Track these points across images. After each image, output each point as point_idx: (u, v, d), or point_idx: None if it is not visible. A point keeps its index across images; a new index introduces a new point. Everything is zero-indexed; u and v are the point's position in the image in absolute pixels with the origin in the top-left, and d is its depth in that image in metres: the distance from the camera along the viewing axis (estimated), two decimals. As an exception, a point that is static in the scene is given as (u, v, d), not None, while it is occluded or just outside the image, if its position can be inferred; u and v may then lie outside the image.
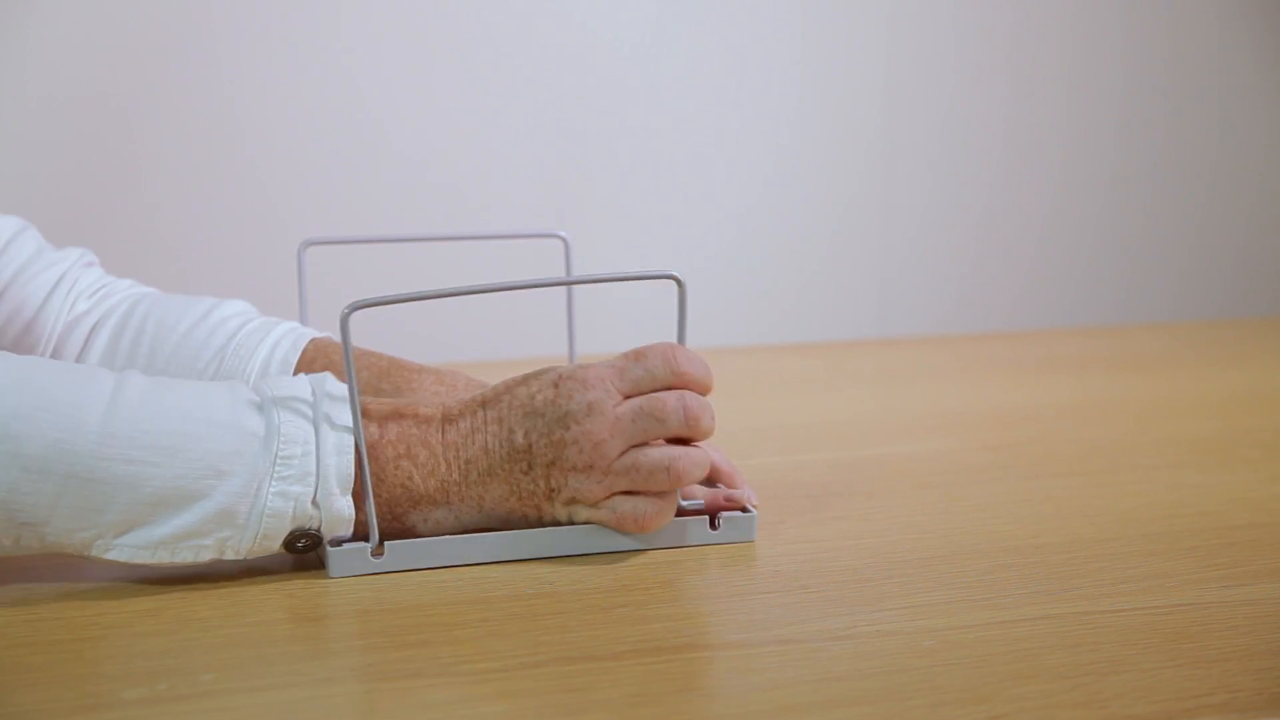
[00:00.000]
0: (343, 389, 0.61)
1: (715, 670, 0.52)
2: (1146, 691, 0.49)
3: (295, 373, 0.74)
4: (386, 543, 0.61)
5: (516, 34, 1.34)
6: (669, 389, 0.63)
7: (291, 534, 0.59)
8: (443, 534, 0.63)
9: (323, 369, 0.73)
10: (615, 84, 1.39)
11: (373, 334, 0.86)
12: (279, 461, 0.58)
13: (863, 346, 1.44)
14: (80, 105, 1.23)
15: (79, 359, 0.76)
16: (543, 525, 0.64)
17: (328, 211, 1.31)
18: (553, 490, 0.62)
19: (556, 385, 0.62)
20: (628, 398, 0.62)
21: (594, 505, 0.63)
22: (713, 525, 0.67)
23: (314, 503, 0.58)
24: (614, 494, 0.63)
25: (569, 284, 0.65)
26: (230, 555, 0.58)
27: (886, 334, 1.53)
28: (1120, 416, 1.01)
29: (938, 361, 1.29)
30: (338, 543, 0.61)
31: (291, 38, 1.28)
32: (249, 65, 1.27)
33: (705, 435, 0.63)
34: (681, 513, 0.66)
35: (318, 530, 0.59)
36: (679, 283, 0.63)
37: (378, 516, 0.61)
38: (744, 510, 0.67)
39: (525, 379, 0.63)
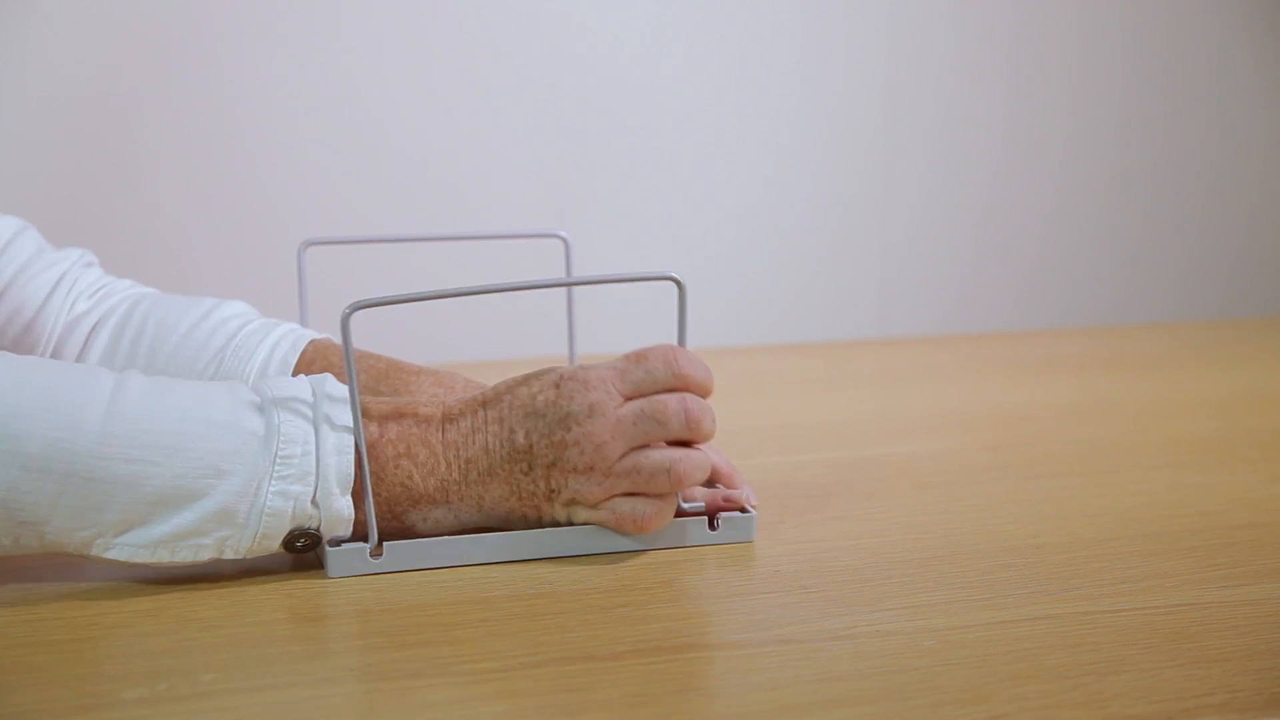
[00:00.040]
0: (342, 389, 0.61)
1: (715, 670, 0.52)
2: (1146, 691, 0.49)
3: (294, 374, 0.74)
4: (385, 543, 0.62)
5: (516, 34, 1.34)
6: (670, 391, 0.63)
7: (291, 533, 0.59)
8: (442, 533, 0.63)
9: (322, 370, 0.73)
10: (615, 84, 1.39)
11: (373, 334, 0.87)
12: (279, 461, 0.58)
13: (863, 346, 1.44)
14: (80, 105, 1.23)
15: (79, 359, 0.76)
16: (542, 525, 0.64)
17: (328, 211, 1.31)
18: (553, 491, 0.62)
19: (558, 386, 0.62)
20: (629, 400, 0.62)
21: (594, 506, 0.63)
22: (712, 526, 0.67)
23: (313, 502, 0.58)
24: (614, 495, 0.63)
25: (570, 285, 0.65)
26: (230, 554, 0.58)
27: (886, 334, 1.53)
28: (1120, 416, 1.01)
29: (938, 361, 1.29)
30: (337, 543, 0.61)
31: (291, 38, 1.28)
32: (249, 65, 1.27)
33: (706, 438, 0.63)
34: (682, 514, 0.66)
35: (317, 530, 0.59)
36: (679, 284, 0.63)
37: (377, 515, 0.61)
38: (743, 510, 0.67)
39: (526, 379, 0.63)
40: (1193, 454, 0.87)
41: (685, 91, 1.41)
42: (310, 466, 0.58)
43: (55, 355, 0.76)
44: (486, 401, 0.63)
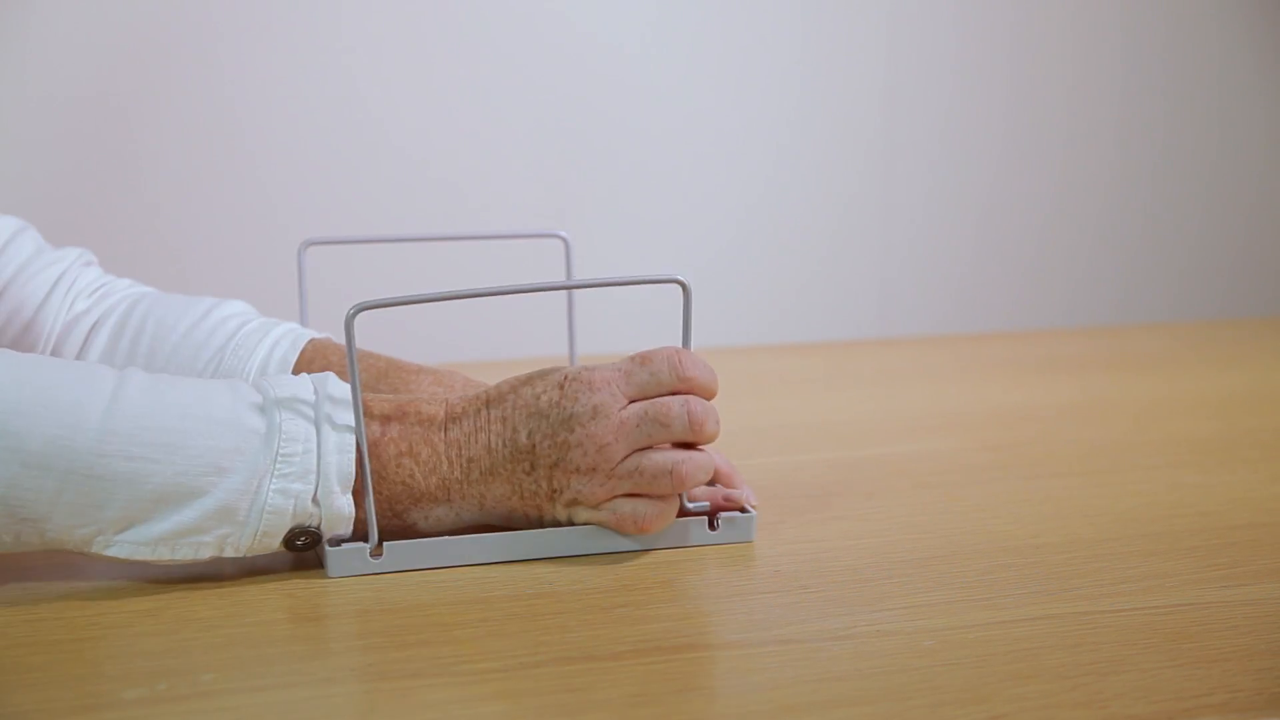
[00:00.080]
0: (344, 388, 0.61)
1: (715, 670, 0.52)
2: (1146, 691, 0.49)
3: (294, 373, 0.74)
4: (385, 543, 0.61)
5: (517, 34, 1.34)
6: (674, 393, 0.63)
7: (291, 531, 0.59)
8: (443, 532, 0.63)
9: (321, 369, 0.73)
10: (615, 84, 1.39)
11: (373, 335, 0.86)
12: (280, 459, 0.58)
13: (863, 346, 1.44)
14: (80, 105, 1.23)
15: (78, 358, 0.76)
16: (543, 525, 0.64)
17: (328, 211, 1.31)
18: (555, 491, 0.62)
19: (562, 386, 0.62)
20: (633, 401, 0.62)
21: (595, 507, 0.63)
22: (711, 526, 0.67)
23: (314, 500, 0.58)
24: (615, 496, 0.63)
25: (574, 287, 0.65)
26: (230, 552, 0.58)
27: (886, 334, 1.53)
28: (1120, 416, 1.01)
29: (938, 361, 1.29)
30: (337, 542, 0.61)
31: (291, 38, 1.28)
32: (249, 65, 1.27)
33: (709, 440, 0.63)
34: (687, 514, 0.66)
35: (317, 528, 0.59)
36: (684, 287, 0.63)
37: (378, 513, 0.61)
38: (743, 510, 0.67)
39: (530, 379, 0.63)
40: (1193, 454, 0.87)
41: (685, 92, 1.41)
42: (311, 465, 0.58)
43: (55, 354, 0.76)
44: (490, 400, 0.63)
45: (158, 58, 1.24)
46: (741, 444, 0.85)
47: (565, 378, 0.62)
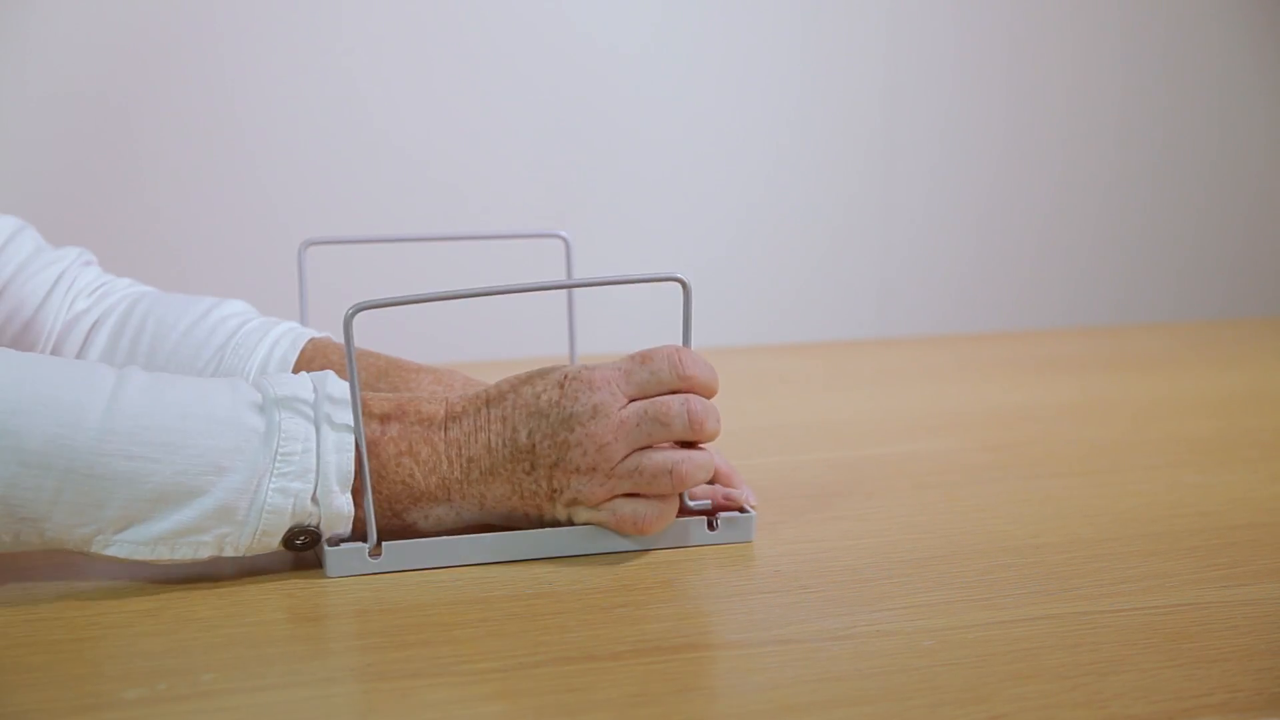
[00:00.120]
0: (343, 387, 0.61)
1: (715, 670, 0.52)
2: (1146, 691, 0.49)
3: (294, 372, 0.73)
4: (384, 543, 0.61)
5: (517, 34, 1.34)
6: (674, 392, 0.63)
7: (290, 531, 0.59)
8: (443, 531, 0.63)
9: (321, 368, 0.73)
10: (615, 85, 1.39)
11: (373, 335, 0.86)
12: (279, 458, 0.58)
13: (863, 346, 1.44)
14: (80, 104, 1.23)
15: (78, 357, 0.76)
16: (543, 524, 0.64)
17: (328, 211, 1.31)
18: (555, 491, 0.62)
19: (562, 386, 0.62)
20: (633, 400, 0.62)
21: (595, 507, 0.63)
22: (711, 526, 0.67)
23: (313, 500, 0.58)
24: (615, 496, 0.63)
25: (574, 286, 0.65)
26: (229, 552, 0.58)
27: (886, 334, 1.53)
28: (1120, 416, 1.01)
29: (938, 361, 1.29)
30: (336, 541, 0.61)
31: (291, 38, 1.28)
32: (249, 65, 1.27)
33: (710, 438, 0.63)
34: (689, 512, 0.66)
35: (317, 527, 0.59)
36: (684, 285, 0.63)
37: (378, 513, 0.61)
38: (742, 510, 0.67)
39: (530, 378, 0.63)
40: (1193, 454, 0.87)
41: (685, 92, 1.41)
42: (311, 464, 0.58)
43: (55, 353, 0.76)
44: (490, 400, 0.63)
45: (158, 58, 1.24)
46: (741, 444, 0.85)
47: (565, 377, 0.62)
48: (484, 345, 1.33)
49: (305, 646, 0.55)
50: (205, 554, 0.58)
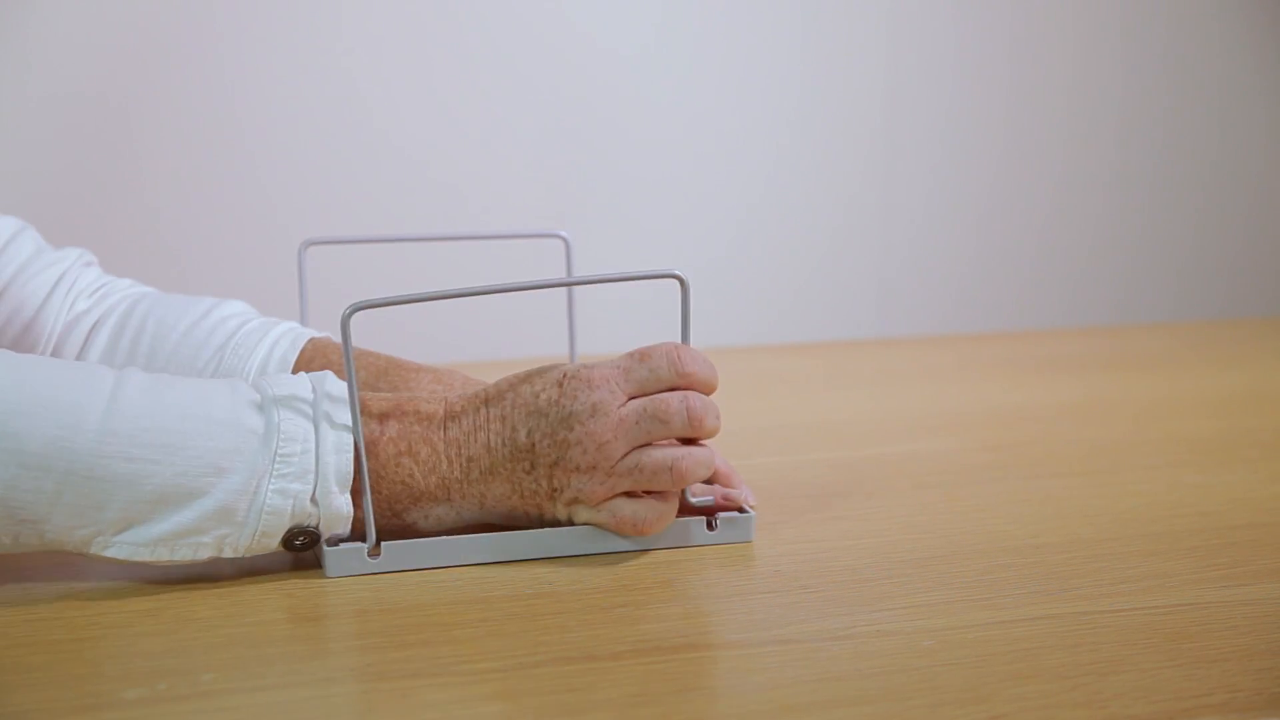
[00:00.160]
0: (342, 387, 0.61)
1: (715, 670, 0.52)
2: (1146, 691, 0.49)
3: (293, 372, 0.73)
4: (383, 543, 0.61)
5: (517, 35, 1.34)
6: (674, 389, 0.63)
7: (290, 531, 0.59)
8: (444, 531, 0.63)
9: (321, 368, 0.73)
10: (615, 85, 1.39)
11: (373, 334, 0.86)
12: (278, 459, 0.58)
13: (863, 346, 1.44)
14: (80, 104, 1.23)
15: (79, 358, 0.76)
16: (543, 524, 0.64)
17: (328, 211, 1.31)
18: (555, 490, 0.62)
19: (561, 384, 0.62)
20: (632, 398, 0.62)
21: (595, 506, 0.63)
22: (710, 526, 0.67)
23: (313, 500, 0.58)
24: (616, 495, 0.63)
25: (572, 284, 0.65)
26: (229, 553, 0.58)
27: (886, 334, 1.53)
28: (1120, 416, 1.01)
29: (938, 361, 1.29)
30: (335, 541, 0.61)
31: (291, 38, 1.28)
32: (249, 65, 1.27)
33: (710, 434, 0.63)
34: (690, 510, 0.66)
35: (316, 528, 0.59)
36: (682, 282, 0.63)
37: (377, 513, 0.61)
38: (741, 510, 0.67)
39: (529, 376, 0.63)
40: (1193, 454, 0.87)
41: (685, 92, 1.41)
42: (310, 465, 0.58)
43: (55, 354, 0.76)
44: (489, 399, 0.63)
45: (158, 58, 1.24)
46: (741, 444, 0.85)
47: (564, 375, 0.62)
48: (484, 345, 1.33)
49: (305, 646, 0.55)
50: (205, 555, 0.58)
